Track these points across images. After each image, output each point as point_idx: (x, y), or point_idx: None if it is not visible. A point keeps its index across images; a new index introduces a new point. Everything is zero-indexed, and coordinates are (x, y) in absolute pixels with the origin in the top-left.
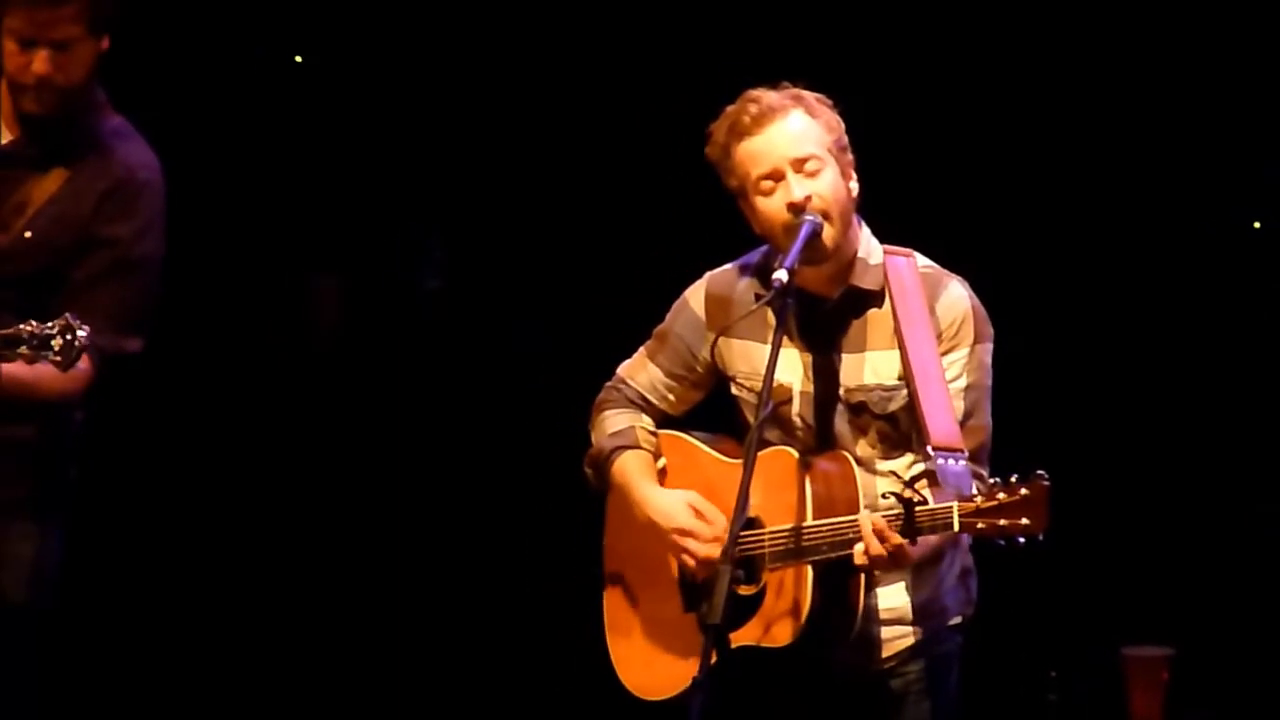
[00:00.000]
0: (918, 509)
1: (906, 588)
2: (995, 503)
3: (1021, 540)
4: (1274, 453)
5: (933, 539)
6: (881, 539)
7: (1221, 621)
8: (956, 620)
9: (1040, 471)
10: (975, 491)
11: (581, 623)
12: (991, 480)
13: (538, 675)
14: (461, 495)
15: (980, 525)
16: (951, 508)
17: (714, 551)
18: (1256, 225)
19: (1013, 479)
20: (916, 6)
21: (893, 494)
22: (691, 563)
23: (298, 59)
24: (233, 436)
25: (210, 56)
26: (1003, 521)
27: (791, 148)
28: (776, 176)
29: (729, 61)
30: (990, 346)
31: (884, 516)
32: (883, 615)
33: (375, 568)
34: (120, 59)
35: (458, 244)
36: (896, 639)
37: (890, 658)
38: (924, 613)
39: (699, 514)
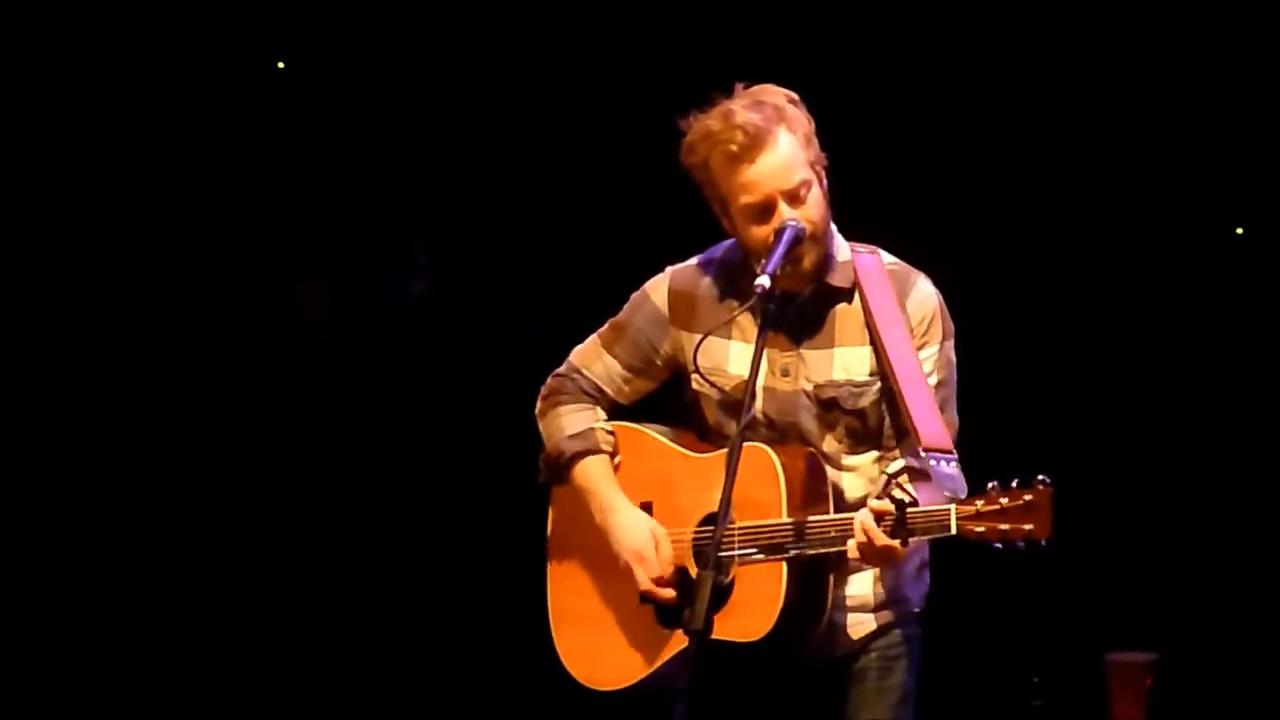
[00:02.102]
0: (913, 510)
1: (873, 579)
2: (996, 506)
3: (1021, 545)
4: (1259, 458)
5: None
6: (873, 540)
7: (1205, 627)
8: (916, 610)
9: (1042, 476)
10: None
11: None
12: (990, 483)
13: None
14: (451, 497)
15: (980, 529)
16: (949, 510)
17: (654, 589)
18: (1239, 231)
19: (1013, 483)
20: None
21: (887, 495)
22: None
23: (280, 65)
24: (219, 440)
25: (197, 61)
26: (1004, 526)
27: (783, 179)
28: (768, 208)
29: (700, 60)
30: (953, 341)
31: (877, 517)
32: (848, 603)
33: (364, 569)
34: (111, 65)
35: (443, 248)
36: (859, 624)
37: (853, 642)
38: (887, 601)
39: (658, 546)
